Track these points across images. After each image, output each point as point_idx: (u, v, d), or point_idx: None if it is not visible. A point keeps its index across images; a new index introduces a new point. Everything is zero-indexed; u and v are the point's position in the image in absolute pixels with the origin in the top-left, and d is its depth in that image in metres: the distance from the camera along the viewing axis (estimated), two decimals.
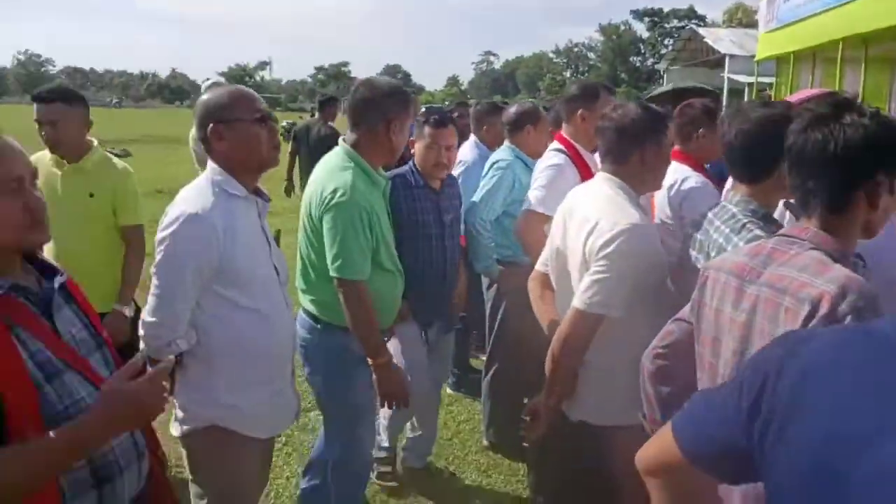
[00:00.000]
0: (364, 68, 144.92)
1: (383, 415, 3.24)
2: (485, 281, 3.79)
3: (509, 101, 5.49)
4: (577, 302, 2.09)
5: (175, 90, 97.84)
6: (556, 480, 2.55)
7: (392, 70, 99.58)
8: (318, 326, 2.56)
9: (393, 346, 2.84)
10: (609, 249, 2.02)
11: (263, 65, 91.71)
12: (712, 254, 1.89)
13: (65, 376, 1.35)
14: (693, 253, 2.05)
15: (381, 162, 2.62)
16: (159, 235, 1.98)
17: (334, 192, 2.41)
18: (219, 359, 2.03)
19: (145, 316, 1.99)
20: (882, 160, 1.36)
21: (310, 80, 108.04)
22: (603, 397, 2.16)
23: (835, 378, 0.83)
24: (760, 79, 19.53)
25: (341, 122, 4.47)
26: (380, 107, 2.51)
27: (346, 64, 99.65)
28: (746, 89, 21.25)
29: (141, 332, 2.00)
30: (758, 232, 1.80)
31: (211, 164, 2.09)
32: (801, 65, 15.00)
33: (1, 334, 1.26)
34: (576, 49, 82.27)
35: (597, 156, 3.31)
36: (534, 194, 3.05)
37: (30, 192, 1.36)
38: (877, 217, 1.41)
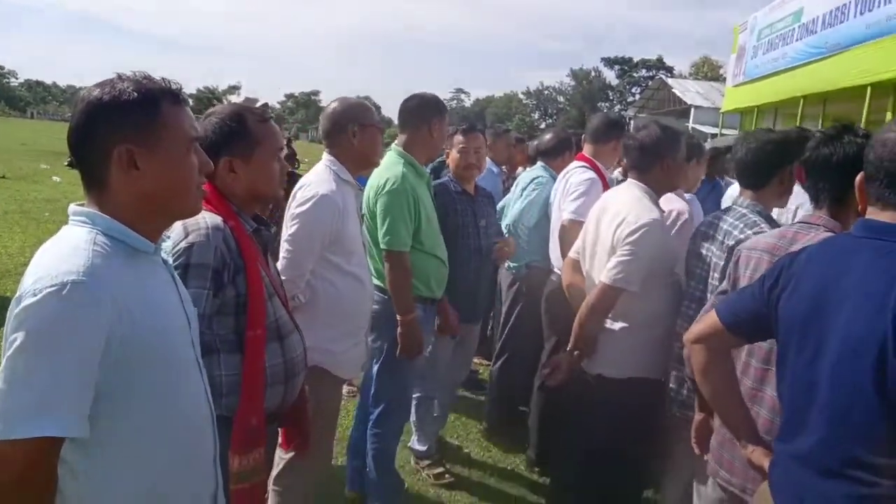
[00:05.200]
0: (334, 97, 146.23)
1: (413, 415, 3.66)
2: (506, 280, 4.27)
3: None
4: (604, 277, 2.63)
5: None
6: (565, 434, 3.05)
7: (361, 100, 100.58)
8: (387, 297, 3.03)
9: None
10: (633, 237, 2.56)
11: (233, 89, 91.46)
12: (728, 242, 2.41)
13: (274, 299, 1.81)
14: (705, 244, 2.57)
15: (424, 158, 3.21)
16: (294, 211, 2.45)
17: (387, 181, 2.97)
18: (324, 313, 2.48)
19: None
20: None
21: (279, 105, 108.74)
22: (617, 355, 2.71)
23: (821, 261, 1.47)
24: (724, 130, 20.62)
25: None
26: (424, 113, 3.14)
27: (316, 93, 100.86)
28: (708, 139, 22.46)
29: None
30: (765, 227, 2.35)
31: (327, 156, 2.61)
32: (764, 119, 16.00)
33: (258, 258, 1.72)
34: (546, 92, 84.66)
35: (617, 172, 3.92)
36: (573, 204, 3.50)
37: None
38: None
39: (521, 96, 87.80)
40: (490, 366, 4.51)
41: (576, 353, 2.78)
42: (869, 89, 10.01)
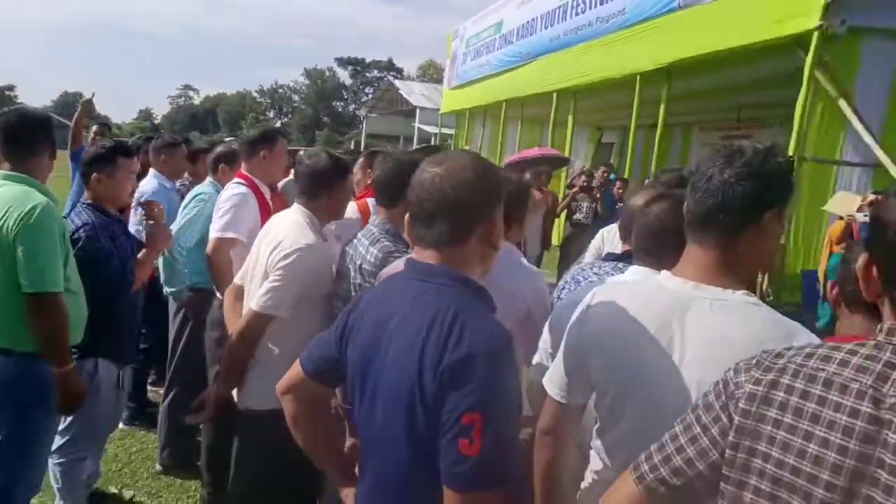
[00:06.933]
0: (36, 95, 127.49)
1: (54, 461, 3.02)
2: (172, 307, 3.78)
3: (207, 138, 5.56)
4: (253, 304, 2.44)
5: None
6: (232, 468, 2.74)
7: (71, 97, 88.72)
8: (12, 358, 2.48)
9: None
10: (286, 262, 2.39)
11: None
12: (358, 262, 2.40)
13: None
14: (345, 263, 2.48)
15: (46, 179, 2.69)
16: None
17: (33, 209, 2.43)
18: None
19: None
20: None
21: None
22: (265, 386, 2.39)
23: (377, 303, 1.47)
24: (444, 130, 21.83)
25: None
26: (35, 131, 2.64)
27: (11, 87, 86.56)
28: (433, 139, 23.72)
29: None
30: (387, 243, 2.36)
31: None
32: (475, 120, 17.22)
33: None
34: (280, 90, 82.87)
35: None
36: (220, 221, 3.20)
37: None
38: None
39: (255, 94, 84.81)
40: None
41: (225, 386, 2.50)
42: (555, 95, 11.16)
